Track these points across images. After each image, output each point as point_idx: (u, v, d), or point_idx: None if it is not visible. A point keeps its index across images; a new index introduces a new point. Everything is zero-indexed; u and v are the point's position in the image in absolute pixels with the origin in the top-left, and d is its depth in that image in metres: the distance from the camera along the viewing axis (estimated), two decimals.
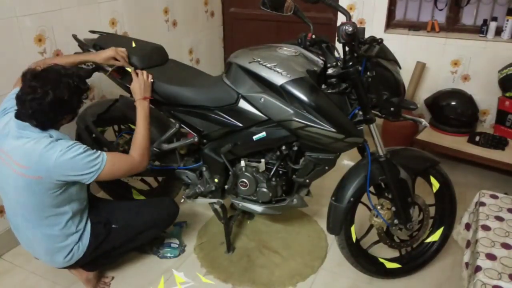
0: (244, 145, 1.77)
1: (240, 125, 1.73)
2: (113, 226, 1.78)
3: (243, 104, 1.70)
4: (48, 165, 1.48)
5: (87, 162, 1.53)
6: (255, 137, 1.71)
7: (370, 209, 1.83)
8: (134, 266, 2.04)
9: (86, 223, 1.72)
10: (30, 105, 1.46)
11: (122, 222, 1.80)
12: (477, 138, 2.68)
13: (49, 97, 1.46)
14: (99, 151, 1.58)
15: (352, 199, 1.72)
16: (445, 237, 1.94)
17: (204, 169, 1.93)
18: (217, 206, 2.01)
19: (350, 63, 1.53)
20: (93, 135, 2.14)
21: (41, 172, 1.49)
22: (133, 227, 1.83)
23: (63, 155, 1.49)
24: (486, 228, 1.56)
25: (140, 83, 1.77)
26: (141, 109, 1.76)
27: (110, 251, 1.82)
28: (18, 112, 1.52)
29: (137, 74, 1.79)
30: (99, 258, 1.82)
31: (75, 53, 2.13)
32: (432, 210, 1.90)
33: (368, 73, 1.57)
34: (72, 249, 1.69)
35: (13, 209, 1.66)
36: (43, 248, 1.69)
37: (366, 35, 1.65)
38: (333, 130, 1.56)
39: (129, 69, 1.82)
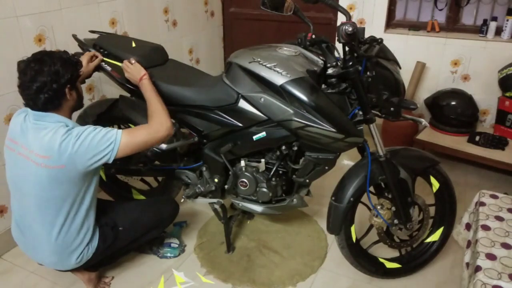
0: (244, 145, 1.77)
1: (240, 125, 1.73)
2: (119, 228, 1.78)
3: (243, 104, 1.70)
4: (69, 152, 1.49)
5: (101, 137, 1.52)
6: (255, 137, 1.71)
7: (370, 209, 1.83)
8: (134, 266, 2.04)
9: (95, 224, 1.72)
10: (30, 80, 1.48)
11: (127, 224, 1.80)
12: (477, 138, 2.68)
13: (46, 68, 1.48)
14: (109, 127, 1.59)
15: (352, 199, 1.72)
16: (445, 237, 1.93)
17: (204, 169, 1.93)
18: (217, 206, 2.01)
19: (350, 63, 1.53)
20: None
21: (63, 160, 1.50)
22: (138, 228, 1.84)
23: (79, 138, 1.50)
24: (486, 228, 1.56)
25: (129, 69, 1.79)
26: (145, 88, 1.74)
27: (115, 252, 1.83)
28: (25, 99, 1.54)
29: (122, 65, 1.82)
30: (104, 259, 1.82)
31: (75, 54, 2.14)
32: (432, 210, 1.90)
33: (368, 73, 1.56)
34: (83, 251, 1.68)
35: (27, 210, 1.62)
36: (56, 251, 1.64)
37: (366, 35, 1.65)
38: (333, 130, 1.56)
39: (114, 62, 1.86)
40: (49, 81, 1.49)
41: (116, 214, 1.83)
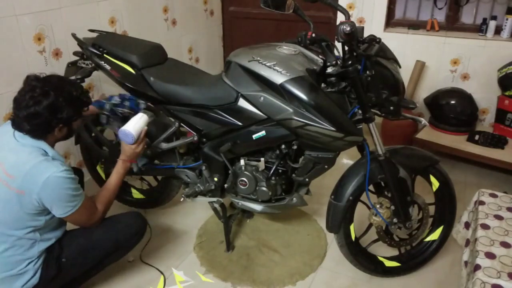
0: (244, 144, 1.77)
1: (240, 124, 1.73)
2: (62, 260, 1.60)
3: (242, 103, 1.70)
4: (36, 181, 1.41)
5: (72, 199, 1.49)
6: (254, 136, 1.71)
7: (369, 208, 1.83)
8: (134, 265, 2.04)
9: (43, 255, 1.57)
10: (26, 104, 1.41)
11: (74, 254, 1.61)
12: (477, 137, 2.68)
13: (48, 100, 1.41)
14: (80, 189, 1.54)
15: (351, 197, 1.72)
16: (444, 236, 1.94)
17: (203, 168, 1.93)
18: (216, 205, 2.01)
19: (350, 62, 1.53)
20: (92, 134, 2.14)
21: (25, 186, 1.42)
22: (88, 257, 1.65)
23: (57, 179, 1.43)
24: (485, 227, 1.56)
25: (135, 149, 1.77)
26: (122, 169, 1.77)
27: (70, 282, 1.69)
28: (14, 116, 1.47)
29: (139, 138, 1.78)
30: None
31: (74, 53, 2.14)
32: (431, 209, 1.90)
33: (368, 72, 1.56)
34: (26, 280, 1.54)
35: None
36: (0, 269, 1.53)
37: (366, 34, 1.65)
38: (333, 129, 1.56)
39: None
40: (43, 115, 1.42)
41: (64, 242, 1.62)
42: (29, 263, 1.54)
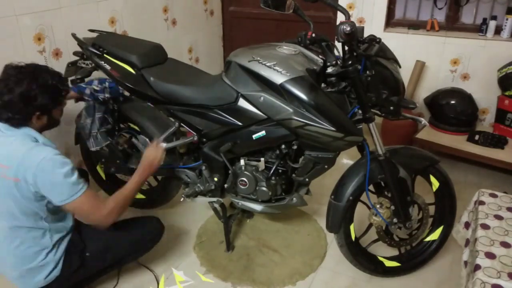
0: (244, 144, 1.77)
1: (240, 124, 1.73)
2: (86, 254, 1.64)
3: (242, 103, 1.70)
4: (30, 166, 1.41)
5: (69, 185, 1.46)
6: (254, 136, 1.71)
7: (369, 208, 1.83)
8: (134, 265, 2.03)
9: (63, 247, 1.60)
10: (1, 92, 1.42)
11: (97, 250, 1.65)
12: (477, 137, 2.68)
13: (21, 87, 1.41)
14: (82, 180, 1.51)
15: (351, 197, 1.72)
16: (444, 236, 1.94)
17: (203, 168, 1.93)
18: (216, 205, 2.01)
19: (350, 62, 1.53)
20: None
21: (20, 173, 1.42)
22: (109, 255, 1.69)
23: (49, 161, 1.43)
24: (485, 226, 1.56)
25: (158, 156, 1.75)
26: (143, 177, 1.70)
27: (85, 279, 1.72)
28: None
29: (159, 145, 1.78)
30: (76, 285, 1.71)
31: (74, 53, 2.14)
32: (431, 209, 1.90)
33: (368, 72, 1.56)
34: (46, 272, 1.56)
35: None
36: (16, 263, 1.55)
37: (366, 34, 1.65)
38: (333, 129, 1.56)
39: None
40: (17, 103, 1.42)
41: (87, 237, 1.67)
42: (47, 254, 1.56)
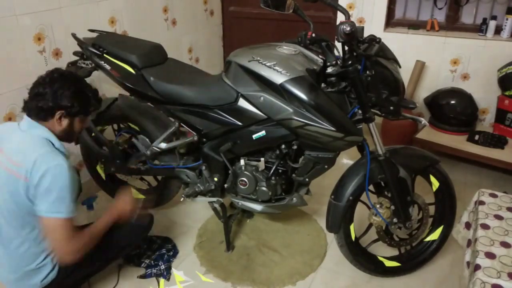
0: (244, 144, 1.77)
1: (240, 124, 1.73)
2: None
3: (242, 103, 1.70)
4: (40, 169, 1.42)
5: (60, 200, 1.45)
6: (254, 136, 1.71)
7: (369, 208, 1.83)
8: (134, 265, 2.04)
9: None
10: (36, 84, 1.49)
11: (92, 248, 1.62)
12: (477, 137, 2.68)
13: (54, 85, 1.48)
14: (73, 206, 1.49)
15: (351, 197, 1.72)
16: (444, 236, 1.94)
17: (203, 168, 1.93)
18: (216, 205, 2.01)
19: (350, 62, 1.53)
20: (93, 134, 2.14)
21: (29, 174, 1.43)
22: (103, 252, 1.70)
23: (60, 169, 1.44)
24: (485, 226, 1.56)
25: (127, 211, 1.72)
26: (111, 218, 1.67)
27: (83, 277, 1.74)
28: (26, 101, 1.53)
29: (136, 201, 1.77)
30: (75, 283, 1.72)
31: (74, 53, 2.14)
32: (431, 209, 1.90)
33: (368, 72, 1.56)
34: (44, 274, 1.56)
35: None
36: (15, 265, 1.54)
37: (366, 34, 1.65)
38: (333, 128, 1.56)
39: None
40: (46, 96, 1.48)
41: None
42: (46, 256, 1.56)
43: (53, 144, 1.52)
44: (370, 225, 1.88)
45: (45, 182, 1.43)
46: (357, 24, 1.63)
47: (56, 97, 1.49)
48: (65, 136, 1.59)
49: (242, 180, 1.87)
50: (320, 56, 1.68)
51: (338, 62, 1.58)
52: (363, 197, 1.79)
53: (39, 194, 1.45)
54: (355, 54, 1.54)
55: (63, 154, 1.53)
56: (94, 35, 2.09)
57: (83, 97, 1.56)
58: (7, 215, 1.51)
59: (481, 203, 1.69)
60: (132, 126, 2.16)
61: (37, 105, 1.49)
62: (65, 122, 1.54)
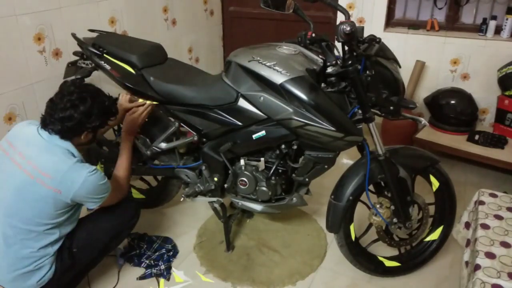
0: (244, 144, 1.77)
1: (240, 124, 1.73)
2: (74, 250, 1.66)
3: (242, 103, 1.70)
4: (75, 182, 1.50)
5: (103, 188, 1.59)
6: (254, 136, 1.71)
7: (369, 208, 1.83)
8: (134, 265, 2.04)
9: (55, 248, 1.61)
10: (64, 107, 1.50)
11: (82, 242, 1.68)
12: (477, 137, 2.68)
13: (85, 105, 1.52)
14: (106, 179, 1.61)
15: (351, 197, 1.72)
16: (444, 236, 1.94)
17: (203, 168, 1.93)
18: (216, 205, 2.01)
19: (349, 62, 1.53)
20: None
21: (63, 186, 1.49)
22: (95, 244, 1.73)
23: (90, 178, 1.52)
24: (485, 226, 1.56)
25: (137, 120, 1.84)
26: (129, 143, 1.86)
27: (78, 274, 1.76)
28: (46, 116, 1.53)
29: (140, 108, 1.85)
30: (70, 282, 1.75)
31: (74, 53, 2.14)
32: (431, 209, 1.90)
33: (368, 72, 1.56)
34: (40, 276, 1.57)
35: None
36: (12, 265, 1.54)
37: (366, 34, 1.65)
38: (333, 128, 1.56)
39: (141, 101, 1.87)
40: (77, 119, 1.51)
41: (69, 233, 1.67)
42: (47, 258, 1.59)
43: (72, 154, 1.56)
44: (370, 225, 1.88)
45: (84, 193, 1.54)
46: (357, 24, 1.63)
47: (86, 121, 1.54)
48: (86, 144, 1.67)
49: (242, 180, 1.87)
50: (320, 56, 1.68)
51: (338, 62, 1.58)
52: (363, 197, 1.79)
53: (83, 200, 1.57)
54: (355, 54, 1.54)
55: (81, 160, 1.59)
56: (94, 35, 2.10)
57: (108, 112, 1.63)
58: (16, 217, 1.52)
59: (481, 203, 1.69)
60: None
61: (64, 128, 1.52)
62: (89, 135, 1.62)
